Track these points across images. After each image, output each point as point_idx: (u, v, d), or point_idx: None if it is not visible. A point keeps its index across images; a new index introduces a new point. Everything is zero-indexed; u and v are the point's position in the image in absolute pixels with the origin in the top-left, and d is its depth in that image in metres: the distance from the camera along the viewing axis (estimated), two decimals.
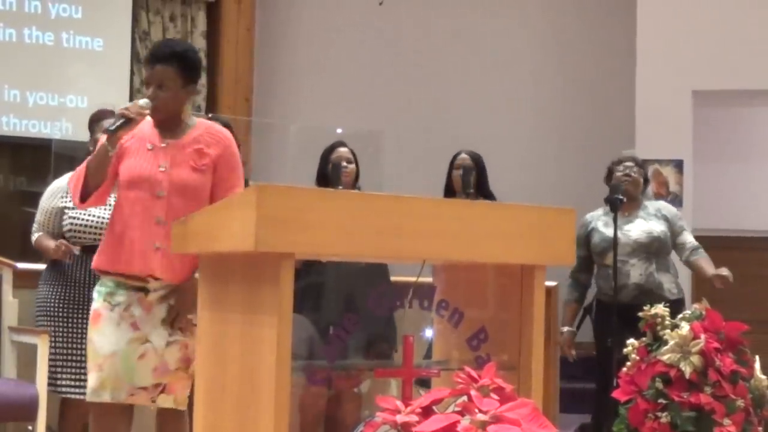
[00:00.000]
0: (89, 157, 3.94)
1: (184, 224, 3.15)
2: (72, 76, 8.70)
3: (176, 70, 3.91)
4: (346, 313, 3.05)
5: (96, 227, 4.97)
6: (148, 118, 3.92)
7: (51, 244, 4.93)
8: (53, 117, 8.45)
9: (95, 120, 5.22)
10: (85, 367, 4.92)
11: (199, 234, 3.07)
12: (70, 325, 4.98)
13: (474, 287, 3.30)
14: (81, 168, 3.92)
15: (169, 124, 3.97)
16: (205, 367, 3.10)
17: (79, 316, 4.96)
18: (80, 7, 8.74)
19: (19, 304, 5.27)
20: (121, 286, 3.92)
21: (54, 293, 5.02)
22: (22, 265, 5.35)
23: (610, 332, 5.31)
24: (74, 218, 4.99)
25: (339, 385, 5.02)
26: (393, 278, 5.09)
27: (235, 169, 4.03)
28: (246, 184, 5.61)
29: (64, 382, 4.95)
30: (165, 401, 3.94)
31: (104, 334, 3.89)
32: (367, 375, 5.13)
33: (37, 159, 8.17)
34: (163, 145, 3.96)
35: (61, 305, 5.00)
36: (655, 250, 5.79)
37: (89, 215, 4.98)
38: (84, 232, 4.98)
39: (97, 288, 3.98)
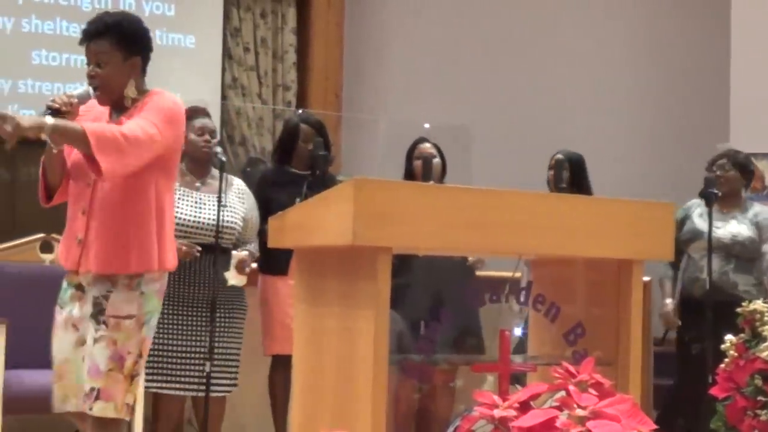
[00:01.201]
0: (43, 156, 3.66)
1: (281, 218, 3.18)
2: (165, 74, 8.79)
3: (112, 43, 3.58)
4: (439, 308, 3.04)
5: (199, 227, 4.98)
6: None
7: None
8: None
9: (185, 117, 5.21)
10: (174, 363, 5.02)
11: (295, 228, 3.09)
12: (162, 320, 5.02)
13: (570, 282, 3.29)
14: (40, 168, 3.69)
15: (116, 105, 3.64)
16: (301, 359, 3.13)
17: (164, 311, 5.00)
18: (173, 4, 8.85)
19: None
20: (68, 285, 3.71)
21: None
22: None
23: (687, 328, 5.28)
24: (176, 218, 5.00)
25: (433, 378, 5.01)
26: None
27: (143, 110, 3.57)
28: (334, 179, 5.66)
29: (156, 377, 5.00)
30: (104, 410, 3.50)
31: (57, 340, 3.70)
32: (460, 369, 5.12)
33: None
34: (113, 122, 3.62)
35: None
36: (736, 252, 5.73)
37: (191, 215, 5.00)
38: (182, 231, 4.99)
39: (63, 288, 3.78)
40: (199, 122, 5.12)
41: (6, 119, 3.27)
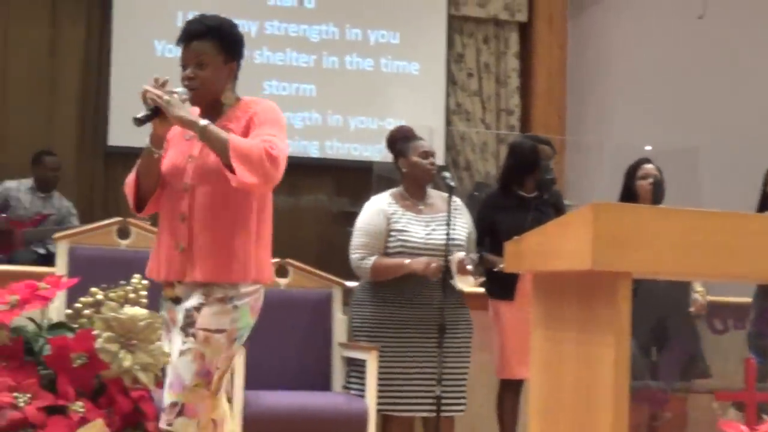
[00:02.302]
0: (138, 162, 3.55)
1: (518, 243, 3.18)
2: (390, 100, 8.98)
3: (215, 45, 3.48)
4: (666, 333, 2.98)
5: (430, 248, 5.03)
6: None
7: (409, 262, 4.99)
8: (373, 140, 8.75)
9: (396, 139, 5.24)
10: (404, 385, 5.07)
11: (533, 252, 3.09)
12: (390, 343, 5.08)
13: None
14: (132, 175, 3.56)
15: (210, 109, 3.50)
16: (538, 384, 3.12)
17: (393, 335, 5.07)
18: (398, 33, 9.02)
19: (347, 321, 5.45)
20: (165, 300, 3.51)
21: (374, 312, 5.14)
22: (350, 283, 5.53)
23: None
24: (405, 240, 5.06)
25: (666, 406, 4.91)
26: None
27: (262, 123, 3.45)
28: (562, 206, 5.61)
29: (386, 399, 5.07)
30: (186, 426, 3.27)
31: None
32: (691, 396, 5.00)
33: (360, 181, 8.48)
34: None
35: (377, 324, 5.12)
36: None
37: (422, 237, 5.05)
38: (415, 253, 5.05)
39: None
40: (420, 144, 5.17)
41: (173, 94, 3.34)
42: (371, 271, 5.06)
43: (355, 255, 5.13)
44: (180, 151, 3.51)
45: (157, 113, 3.33)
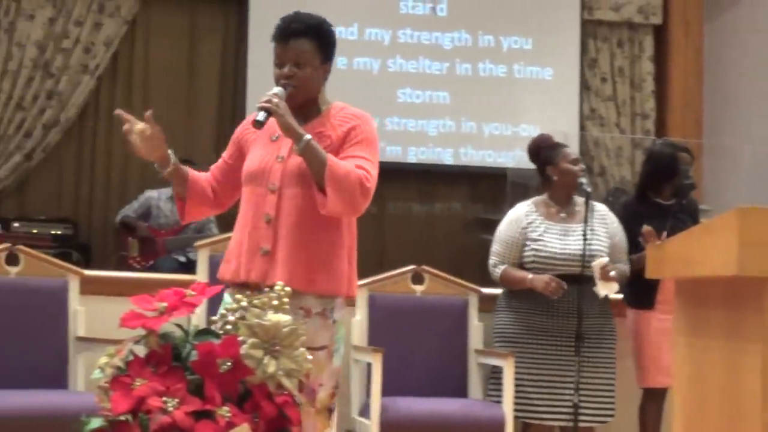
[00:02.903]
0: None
1: (660, 249, 3.14)
2: (524, 106, 8.95)
3: (314, 44, 3.40)
4: None
5: (566, 258, 5.00)
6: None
7: (531, 278, 4.99)
8: (507, 147, 8.72)
9: (541, 147, 5.21)
10: (543, 394, 5.04)
11: (676, 259, 3.04)
12: (527, 351, 5.06)
13: None
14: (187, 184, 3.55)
15: (303, 110, 3.41)
16: (683, 392, 3.07)
17: (532, 342, 5.05)
18: (530, 39, 8.97)
19: (484, 328, 5.45)
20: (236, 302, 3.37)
21: (512, 320, 5.13)
22: (486, 290, 5.52)
23: None
24: (538, 249, 5.05)
25: None
26: None
27: (359, 143, 3.37)
28: (697, 212, 5.50)
29: (525, 408, 5.05)
30: None
31: None
32: None
33: (494, 188, 8.46)
34: None
35: (516, 331, 5.10)
36: None
37: (558, 247, 5.03)
38: (549, 263, 5.03)
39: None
40: (569, 152, 5.17)
41: (280, 99, 3.28)
42: (500, 279, 5.13)
43: (490, 260, 5.21)
44: (267, 151, 3.43)
45: (268, 114, 3.26)
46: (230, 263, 3.40)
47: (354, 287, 3.43)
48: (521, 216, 5.14)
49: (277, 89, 3.33)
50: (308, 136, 3.24)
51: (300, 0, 8.29)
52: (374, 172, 3.33)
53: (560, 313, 5.03)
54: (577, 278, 4.97)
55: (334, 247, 3.35)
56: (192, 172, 3.58)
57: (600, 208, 5.22)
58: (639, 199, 5.48)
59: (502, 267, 5.11)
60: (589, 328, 4.99)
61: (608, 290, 4.97)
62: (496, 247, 5.18)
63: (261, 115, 3.25)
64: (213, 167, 3.67)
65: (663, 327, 5.08)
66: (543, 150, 5.19)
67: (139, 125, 3.54)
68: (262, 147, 3.45)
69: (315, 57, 3.40)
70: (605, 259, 4.96)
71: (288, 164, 3.35)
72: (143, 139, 3.52)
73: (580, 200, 5.17)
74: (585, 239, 4.95)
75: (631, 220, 5.29)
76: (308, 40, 3.39)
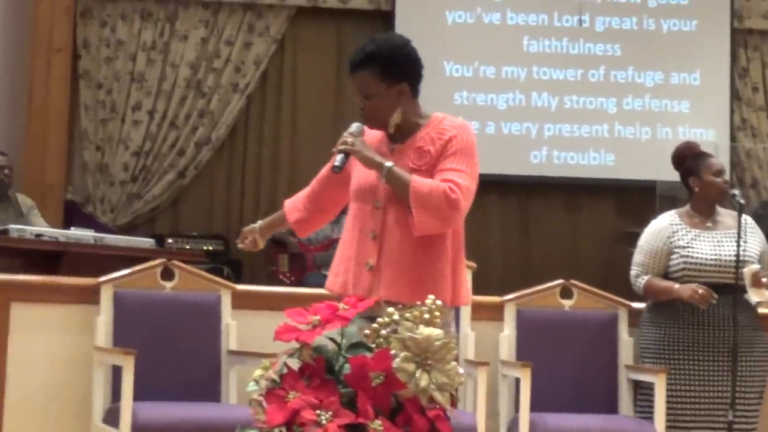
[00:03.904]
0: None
1: None
2: (674, 117, 8.82)
3: (375, 72, 3.47)
4: None
5: (719, 266, 4.90)
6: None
7: (678, 287, 4.89)
8: (656, 158, 8.59)
9: (685, 156, 5.09)
10: (694, 409, 4.93)
11: None
12: (675, 365, 4.97)
13: None
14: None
15: (399, 130, 3.51)
16: None
17: (683, 357, 4.95)
18: (682, 49, 8.89)
19: (633, 342, 5.36)
20: (357, 317, 3.31)
21: (657, 334, 5.04)
22: (636, 304, 5.44)
23: None
24: (687, 256, 4.96)
25: None
26: None
27: (454, 154, 3.43)
28: None
29: (676, 423, 4.96)
30: None
31: None
32: None
33: (642, 201, 8.34)
34: (390, 149, 3.53)
35: (666, 346, 5.01)
36: None
37: (711, 254, 4.92)
38: (700, 271, 4.93)
39: None
40: (714, 163, 5.05)
41: (356, 136, 3.44)
42: (643, 290, 5.06)
43: (632, 271, 5.13)
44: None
45: (347, 157, 3.44)
46: (338, 276, 3.53)
47: (461, 295, 3.50)
48: (666, 225, 5.06)
49: (354, 126, 3.50)
50: (389, 164, 3.38)
51: (442, 22, 8.59)
52: (464, 181, 3.39)
53: (711, 325, 4.92)
54: (730, 287, 4.86)
55: (437, 259, 3.43)
56: (286, 206, 3.90)
57: (745, 218, 5.09)
58: None
59: (645, 277, 5.02)
60: (742, 340, 4.88)
61: (761, 297, 4.83)
62: (638, 258, 5.10)
63: (339, 160, 3.44)
64: (320, 173, 3.82)
65: None
66: (687, 159, 5.08)
67: (259, 243, 3.94)
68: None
69: (378, 85, 3.49)
70: (757, 266, 4.84)
71: None
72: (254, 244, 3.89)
73: (723, 210, 5.07)
74: (738, 245, 4.83)
75: None
76: (368, 70, 3.48)
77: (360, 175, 3.54)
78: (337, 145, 3.46)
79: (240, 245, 3.98)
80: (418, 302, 3.14)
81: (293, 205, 3.86)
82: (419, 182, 3.37)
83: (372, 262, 3.44)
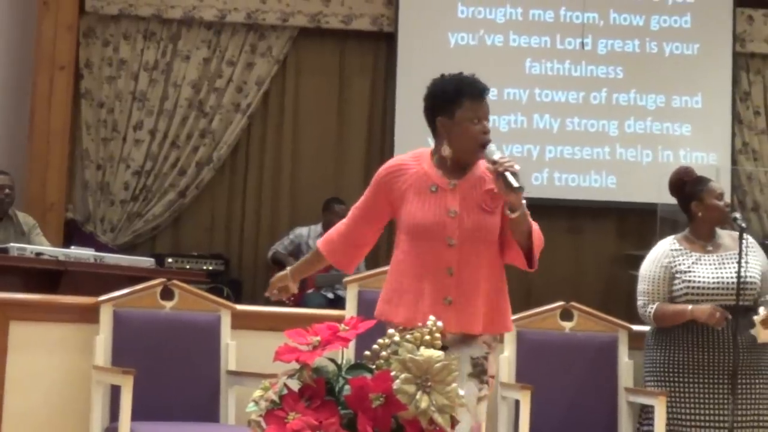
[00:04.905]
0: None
1: None
2: (674, 140, 8.83)
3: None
4: None
5: (721, 287, 4.88)
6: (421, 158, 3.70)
7: (692, 309, 4.87)
8: (658, 181, 8.59)
9: (684, 181, 5.07)
10: (697, 430, 4.92)
11: None
12: (679, 388, 4.95)
13: None
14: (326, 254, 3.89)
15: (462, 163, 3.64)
16: None
17: (684, 380, 4.93)
18: (685, 71, 8.88)
19: (633, 365, 5.36)
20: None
21: (663, 356, 5.03)
22: (636, 327, 5.43)
23: None
24: (690, 281, 4.94)
25: None
26: None
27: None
28: None
29: None
30: None
31: None
32: None
33: (643, 223, 8.34)
34: (450, 186, 3.60)
35: (667, 369, 5.00)
36: None
37: (712, 277, 4.91)
38: (702, 294, 4.91)
39: None
40: (715, 186, 5.04)
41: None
42: (654, 318, 5.00)
43: (638, 302, 5.08)
44: (432, 205, 3.59)
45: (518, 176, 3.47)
46: (400, 308, 3.60)
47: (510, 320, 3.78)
48: (666, 251, 5.03)
49: (494, 149, 3.52)
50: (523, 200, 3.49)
51: (445, 44, 8.60)
52: None
53: (714, 347, 4.89)
54: (732, 309, 4.85)
55: (503, 290, 3.67)
56: (323, 246, 3.89)
57: (747, 237, 5.06)
58: None
59: (654, 306, 5.00)
60: (743, 362, 4.86)
61: (766, 337, 4.82)
62: (642, 287, 5.06)
63: (514, 180, 3.42)
64: (354, 210, 3.85)
65: None
66: (687, 184, 5.07)
67: (292, 289, 3.95)
68: (423, 199, 3.60)
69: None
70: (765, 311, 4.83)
71: (464, 221, 3.55)
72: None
73: (722, 232, 5.06)
74: (740, 266, 4.82)
75: None
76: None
77: (418, 213, 3.60)
78: (503, 167, 3.43)
79: (269, 295, 3.98)
80: (488, 332, 3.61)
81: (331, 246, 3.87)
82: (533, 223, 3.56)
83: (451, 297, 3.56)
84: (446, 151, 3.59)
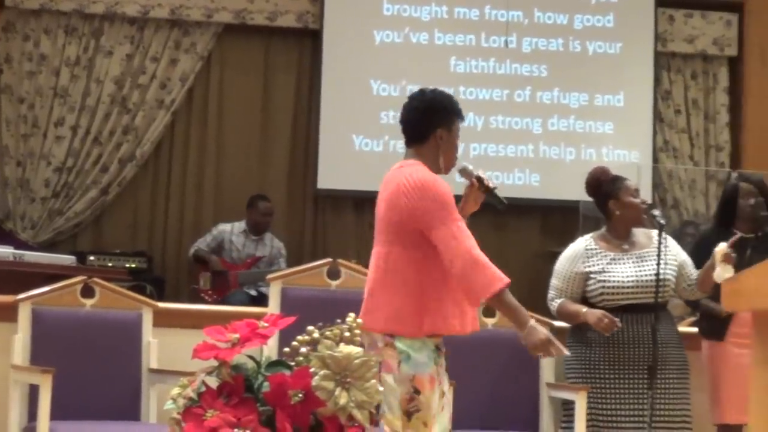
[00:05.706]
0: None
1: (735, 282, 3.08)
2: (597, 138, 8.91)
3: None
4: None
5: (639, 286, 4.95)
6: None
7: (585, 311, 4.93)
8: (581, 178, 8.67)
9: (601, 181, 5.13)
10: (615, 428, 4.97)
11: (753, 291, 2.98)
12: (598, 384, 5.00)
13: None
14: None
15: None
16: (758, 427, 3.01)
17: (603, 375, 4.98)
18: (605, 70, 8.96)
19: (555, 361, 5.40)
20: (437, 347, 3.85)
21: (583, 352, 5.07)
22: (558, 323, 5.47)
23: None
24: (605, 281, 4.99)
25: None
26: None
27: None
28: None
29: None
30: None
31: (437, 398, 3.81)
32: None
33: (566, 221, 8.42)
34: None
35: (587, 364, 5.05)
36: None
37: (631, 275, 4.97)
38: (618, 293, 4.97)
39: (429, 353, 3.80)
40: (630, 184, 5.10)
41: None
42: (556, 313, 5.11)
43: (548, 294, 5.18)
44: None
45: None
46: (455, 318, 3.85)
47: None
48: (581, 250, 5.08)
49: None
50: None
51: (370, 42, 8.59)
52: None
53: (632, 343, 4.96)
54: (650, 306, 4.91)
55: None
56: (503, 282, 4.00)
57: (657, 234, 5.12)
58: (717, 230, 5.39)
59: (559, 301, 5.07)
60: (661, 357, 4.92)
61: (728, 273, 4.78)
62: (554, 282, 5.15)
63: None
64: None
65: (740, 361, 4.99)
66: (603, 184, 5.11)
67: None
68: None
69: None
70: (724, 245, 4.81)
71: None
72: None
73: (638, 231, 5.12)
74: (659, 265, 4.88)
75: (706, 250, 5.20)
76: None
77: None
78: (492, 183, 4.00)
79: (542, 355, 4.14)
80: None
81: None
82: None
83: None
84: (442, 162, 3.88)
